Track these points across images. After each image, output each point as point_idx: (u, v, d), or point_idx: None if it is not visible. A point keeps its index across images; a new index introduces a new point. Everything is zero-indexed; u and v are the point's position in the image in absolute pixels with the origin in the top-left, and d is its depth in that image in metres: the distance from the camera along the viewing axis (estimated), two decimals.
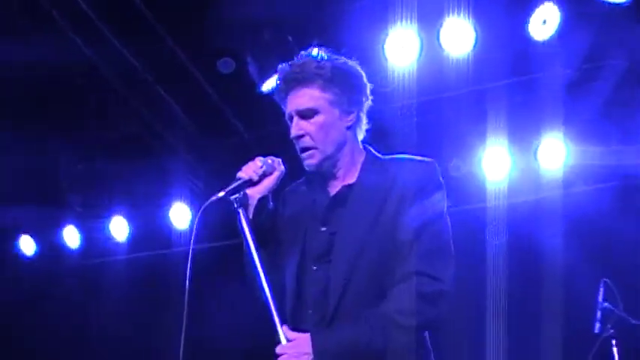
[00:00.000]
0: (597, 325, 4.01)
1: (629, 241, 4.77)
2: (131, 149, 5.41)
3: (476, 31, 4.13)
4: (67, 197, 5.79)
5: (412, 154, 2.48)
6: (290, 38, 4.48)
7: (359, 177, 2.41)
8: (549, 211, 4.92)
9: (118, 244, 5.98)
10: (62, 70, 4.73)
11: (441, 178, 2.40)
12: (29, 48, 4.48)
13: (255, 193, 2.40)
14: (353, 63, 2.46)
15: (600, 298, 4.04)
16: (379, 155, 2.47)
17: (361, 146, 2.47)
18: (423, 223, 2.31)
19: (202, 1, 4.40)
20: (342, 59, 2.45)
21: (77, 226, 6.03)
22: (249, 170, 2.38)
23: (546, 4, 4.09)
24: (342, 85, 2.40)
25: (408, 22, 4.01)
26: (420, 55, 4.18)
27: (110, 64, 4.88)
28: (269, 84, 4.56)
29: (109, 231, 5.91)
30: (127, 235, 5.91)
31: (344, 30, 4.32)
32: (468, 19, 4.06)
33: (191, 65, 4.87)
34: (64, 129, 5.25)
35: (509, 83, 4.62)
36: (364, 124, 2.47)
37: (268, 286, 2.28)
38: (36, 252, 6.25)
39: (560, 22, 4.13)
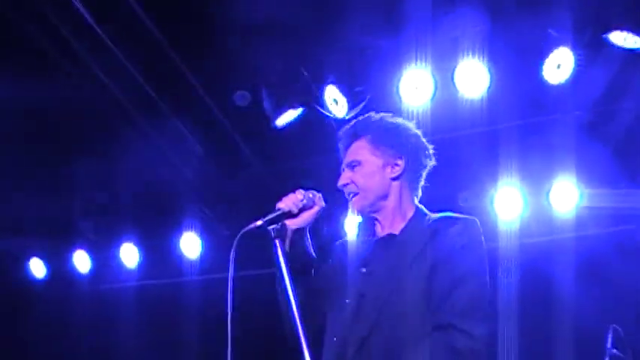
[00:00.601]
0: None
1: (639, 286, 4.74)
2: (145, 178, 5.45)
3: (490, 73, 4.16)
4: (79, 224, 5.83)
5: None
6: (305, 73, 4.53)
7: (404, 228, 2.50)
8: (561, 253, 4.90)
9: (128, 270, 6.00)
10: (80, 99, 4.78)
11: (481, 237, 2.44)
12: (48, 77, 4.54)
13: (292, 225, 2.44)
14: (409, 124, 2.58)
15: (609, 345, 4.01)
16: (428, 213, 2.55)
17: (413, 203, 2.55)
18: (462, 278, 2.35)
19: (222, 36, 4.45)
20: (398, 119, 2.59)
21: (88, 252, 6.06)
22: (289, 202, 2.43)
23: (561, 48, 4.11)
24: (390, 140, 2.52)
25: (423, 63, 4.04)
26: (434, 95, 4.20)
27: (129, 95, 4.93)
28: (283, 119, 4.60)
29: (120, 258, 5.93)
30: (137, 262, 5.93)
31: (359, 68, 4.37)
32: (483, 61, 4.09)
33: (208, 97, 4.91)
34: (80, 156, 5.30)
35: (523, 124, 4.63)
36: (419, 183, 2.55)
37: (299, 317, 2.28)
38: (46, 275, 6.28)
39: (574, 67, 4.15)
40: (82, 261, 6.06)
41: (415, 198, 2.56)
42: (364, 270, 2.46)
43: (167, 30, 4.63)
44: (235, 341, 2.32)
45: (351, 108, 4.39)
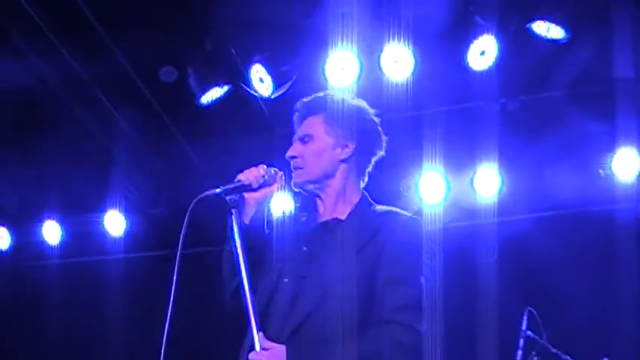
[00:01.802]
0: (519, 353, 4.08)
1: (558, 270, 4.88)
2: (70, 155, 5.34)
3: (415, 58, 4.19)
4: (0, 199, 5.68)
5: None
6: (233, 51, 4.49)
7: (350, 215, 2.48)
8: (483, 237, 5.00)
9: (50, 247, 5.88)
10: (6, 76, 4.63)
11: (423, 236, 2.46)
12: None
13: (250, 200, 2.42)
14: (369, 110, 2.57)
15: (524, 327, 4.12)
16: (373, 202, 2.53)
17: (359, 188, 2.53)
18: (406, 276, 2.37)
19: (150, 14, 4.37)
20: (359, 103, 2.58)
21: (8, 228, 5.91)
22: (250, 175, 2.40)
23: (485, 35, 4.17)
24: (345, 121, 2.50)
25: (349, 44, 4.05)
26: (360, 77, 4.22)
27: (54, 71, 4.80)
28: (209, 96, 4.55)
29: (42, 234, 5.81)
30: (59, 239, 5.81)
31: (286, 47, 4.35)
32: (408, 46, 4.12)
33: (135, 74, 4.81)
34: (2, 133, 5.16)
35: (447, 110, 4.69)
36: (367, 169, 2.54)
37: (250, 291, 2.26)
38: None
39: (497, 54, 4.22)
40: (2, 237, 5.91)
41: (362, 183, 2.54)
42: (305, 249, 2.44)
43: (95, 5, 4.52)
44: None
45: (276, 87, 4.38)
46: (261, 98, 4.49)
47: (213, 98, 4.53)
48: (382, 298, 2.34)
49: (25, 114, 5.09)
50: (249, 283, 2.27)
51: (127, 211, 5.57)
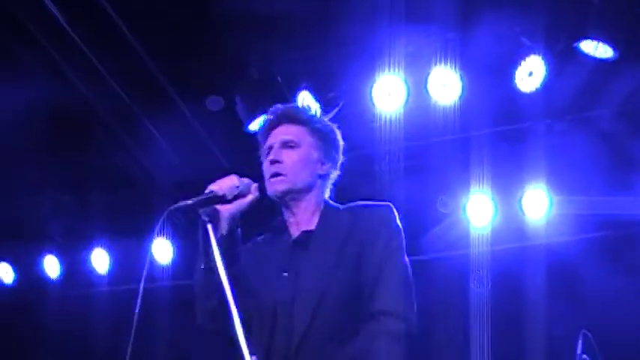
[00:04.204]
0: None
1: (610, 292, 4.79)
2: (116, 182, 5.41)
3: (462, 80, 4.19)
4: (49, 227, 5.76)
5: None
6: (279, 78, 4.52)
7: (319, 223, 2.39)
8: (532, 260, 4.94)
9: (99, 275, 5.94)
10: (52, 101, 4.73)
11: (398, 221, 2.39)
12: (18, 79, 4.49)
13: (225, 212, 2.24)
14: (333, 126, 2.52)
15: (579, 350, 4.05)
16: (337, 205, 2.47)
17: (324, 199, 2.47)
18: (385, 266, 2.31)
19: (195, 39, 4.43)
20: (332, 124, 2.53)
21: (57, 256, 5.99)
22: (224, 185, 2.24)
23: (532, 56, 4.15)
24: (325, 139, 2.46)
25: (396, 69, 4.06)
26: (407, 101, 4.22)
27: (102, 98, 4.88)
28: (257, 123, 4.58)
29: (90, 262, 5.87)
30: (107, 267, 5.87)
31: (333, 72, 4.38)
32: (455, 68, 4.12)
33: (180, 101, 4.88)
34: (49, 159, 5.24)
35: (495, 132, 4.67)
36: (330, 183, 2.49)
37: (236, 306, 2.06)
38: (15, 281, 6.20)
39: (545, 75, 4.19)
40: (51, 266, 5.98)
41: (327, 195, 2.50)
42: (286, 274, 2.33)
43: (141, 34, 4.60)
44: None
45: (323, 114, 4.39)
46: None
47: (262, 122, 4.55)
48: (373, 289, 2.29)
49: (71, 141, 5.18)
50: (236, 303, 2.06)
51: (174, 239, 5.61)
